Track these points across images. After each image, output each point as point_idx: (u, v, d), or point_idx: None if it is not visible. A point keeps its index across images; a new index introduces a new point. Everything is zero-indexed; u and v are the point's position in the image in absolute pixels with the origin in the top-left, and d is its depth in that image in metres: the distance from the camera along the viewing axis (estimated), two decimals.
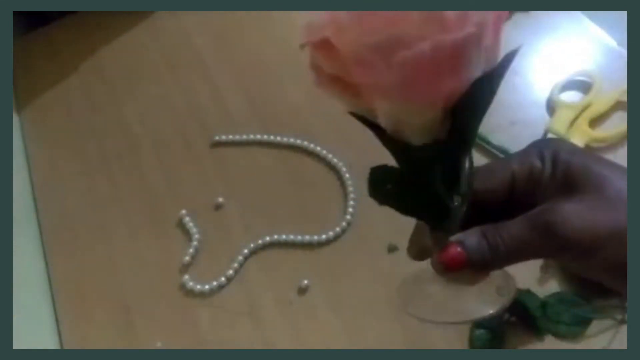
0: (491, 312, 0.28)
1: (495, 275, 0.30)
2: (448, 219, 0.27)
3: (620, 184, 0.27)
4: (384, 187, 0.28)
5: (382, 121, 0.24)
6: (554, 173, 0.29)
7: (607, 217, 0.27)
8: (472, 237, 0.28)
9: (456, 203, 0.27)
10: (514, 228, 0.28)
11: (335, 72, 0.24)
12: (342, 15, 0.23)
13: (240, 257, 0.53)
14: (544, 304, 0.45)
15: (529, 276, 0.47)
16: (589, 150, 0.53)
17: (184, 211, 0.57)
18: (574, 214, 0.27)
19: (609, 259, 0.27)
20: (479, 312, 0.29)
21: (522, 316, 0.45)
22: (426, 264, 0.30)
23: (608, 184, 0.28)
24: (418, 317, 0.30)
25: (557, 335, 0.44)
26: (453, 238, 0.28)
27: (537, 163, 0.29)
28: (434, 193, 0.26)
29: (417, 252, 0.31)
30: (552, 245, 0.27)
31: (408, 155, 0.25)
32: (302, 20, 0.25)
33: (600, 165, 0.28)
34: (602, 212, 0.27)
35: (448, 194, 0.26)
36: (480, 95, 0.23)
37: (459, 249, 0.28)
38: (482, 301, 0.30)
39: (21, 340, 0.45)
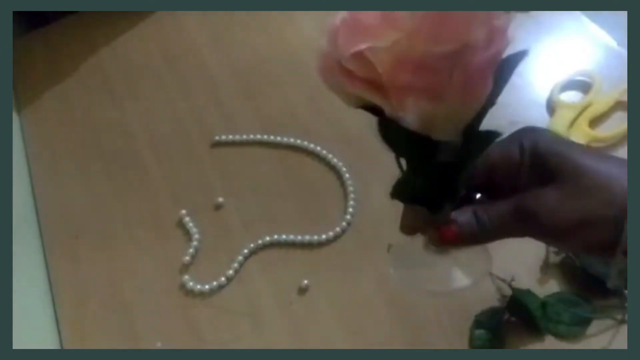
0: (468, 284, 0.33)
1: (475, 252, 0.34)
2: (450, 203, 0.31)
3: (596, 169, 0.29)
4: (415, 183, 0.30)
5: (411, 120, 0.25)
6: (533, 164, 0.31)
7: (581, 204, 0.29)
8: (464, 215, 0.32)
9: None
10: (500, 210, 0.31)
11: (370, 76, 0.24)
12: (402, 21, 0.23)
13: (240, 257, 0.53)
14: (544, 304, 0.45)
15: (529, 276, 0.47)
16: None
17: (184, 211, 0.57)
18: (551, 202, 0.30)
19: (582, 243, 0.30)
20: (457, 283, 0.34)
21: (522, 316, 0.45)
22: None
23: (584, 172, 0.29)
24: (405, 285, 0.35)
25: (557, 335, 0.44)
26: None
27: (516, 154, 0.31)
28: (451, 181, 0.29)
29: (409, 230, 0.33)
30: (530, 229, 0.31)
31: (437, 150, 0.27)
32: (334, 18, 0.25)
33: (577, 154, 0.30)
34: (577, 199, 0.29)
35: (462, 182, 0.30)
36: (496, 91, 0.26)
37: (453, 226, 0.32)
38: (462, 275, 0.34)
39: (21, 340, 0.45)
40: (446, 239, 0.32)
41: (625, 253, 0.29)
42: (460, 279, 0.33)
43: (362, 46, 0.23)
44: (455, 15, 0.23)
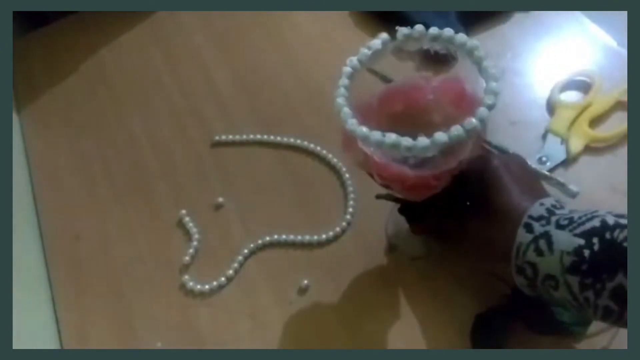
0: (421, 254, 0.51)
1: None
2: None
3: (502, 206, 0.40)
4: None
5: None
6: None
7: (486, 231, 0.41)
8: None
9: None
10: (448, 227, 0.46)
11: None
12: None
13: (240, 257, 0.53)
14: (544, 304, 0.45)
15: None
16: (588, 150, 0.53)
17: (184, 211, 0.57)
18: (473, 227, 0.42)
19: (485, 258, 0.42)
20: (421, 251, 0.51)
21: (522, 316, 0.45)
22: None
23: (494, 208, 0.40)
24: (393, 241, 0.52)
25: (558, 335, 0.44)
26: None
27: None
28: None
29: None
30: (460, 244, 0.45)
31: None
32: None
33: (496, 192, 0.41)
34: (485, 228, 0.41)
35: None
36: None
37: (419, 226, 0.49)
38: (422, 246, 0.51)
39: (21, 340, 0.45)
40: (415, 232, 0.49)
41: (518, 271, 0.38)
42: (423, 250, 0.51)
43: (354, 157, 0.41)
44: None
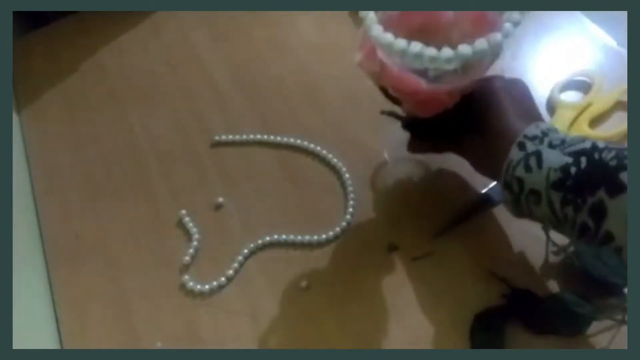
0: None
1: None
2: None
3: (497, 127, 0.42)
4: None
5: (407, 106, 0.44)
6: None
7: (481, 148, 0.44)
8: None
9: None
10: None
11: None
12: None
13: (240, 257, 0.53)
14: (544, 304, 0.45)
15: (529, 276, 0.47)
16: None
17: (184, 211, 0.57)
18: (469, 142, 0.46)
19: (481, 170, 0.46)
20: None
21: (522, 316, 0.45)
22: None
23: (490, 128, 0.43)
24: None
25: (557, 335, 0.44)
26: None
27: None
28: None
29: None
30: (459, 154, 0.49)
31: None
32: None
33: (493, 114, 0.43)
34: (481, 145, 0.44)
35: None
36: None
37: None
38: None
39: (21, 340, 0.45)
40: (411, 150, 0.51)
41: (505, 186, 0.40)
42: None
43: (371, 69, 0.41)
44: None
